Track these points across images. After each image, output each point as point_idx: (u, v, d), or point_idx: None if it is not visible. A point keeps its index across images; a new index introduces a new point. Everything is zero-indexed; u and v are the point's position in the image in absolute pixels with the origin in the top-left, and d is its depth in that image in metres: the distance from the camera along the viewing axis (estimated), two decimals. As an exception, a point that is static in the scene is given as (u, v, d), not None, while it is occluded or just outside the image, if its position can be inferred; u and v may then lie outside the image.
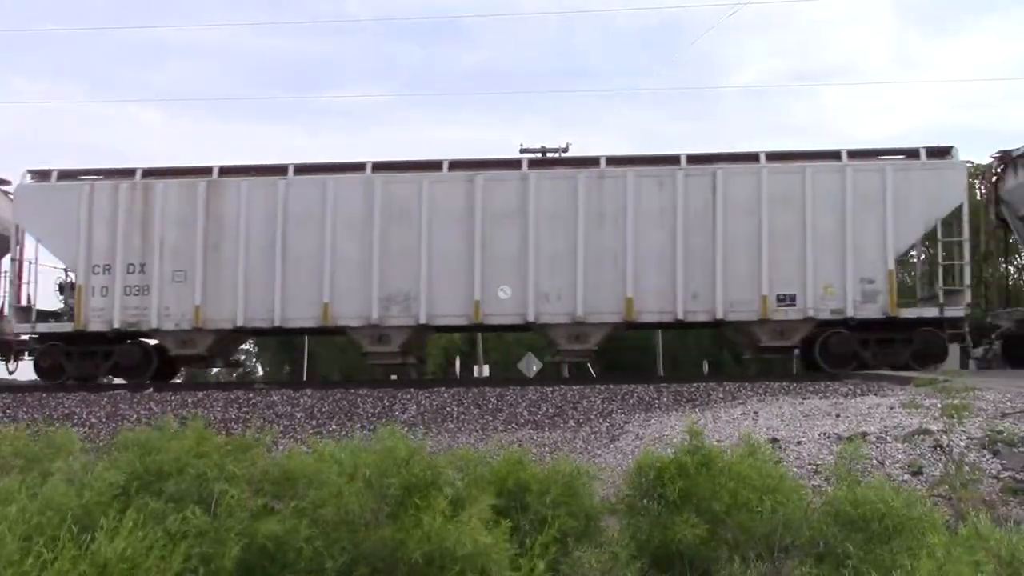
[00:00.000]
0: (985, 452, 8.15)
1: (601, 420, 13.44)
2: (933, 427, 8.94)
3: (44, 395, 15.75)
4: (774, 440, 9.22)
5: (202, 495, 3.77)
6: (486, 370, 25.94)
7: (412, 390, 15.51)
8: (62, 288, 18.71)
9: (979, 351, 18.96)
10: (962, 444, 8.32)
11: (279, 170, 18.22)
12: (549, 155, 29.74)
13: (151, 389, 16.48)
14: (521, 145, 30.64)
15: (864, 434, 9.16)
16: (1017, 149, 18.88)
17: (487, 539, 3.75)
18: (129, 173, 18.45)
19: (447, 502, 3.92)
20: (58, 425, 13.41)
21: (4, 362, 20.56)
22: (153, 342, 18.30)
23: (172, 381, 19.32)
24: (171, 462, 4.01)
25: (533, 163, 18.60)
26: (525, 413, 14.03)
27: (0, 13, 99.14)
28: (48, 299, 19.23)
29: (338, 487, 3.88)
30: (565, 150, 30.78)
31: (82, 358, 17.96)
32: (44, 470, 4.45)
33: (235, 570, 3.44)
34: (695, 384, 15.44)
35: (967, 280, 17.14)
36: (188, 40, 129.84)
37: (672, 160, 17.69)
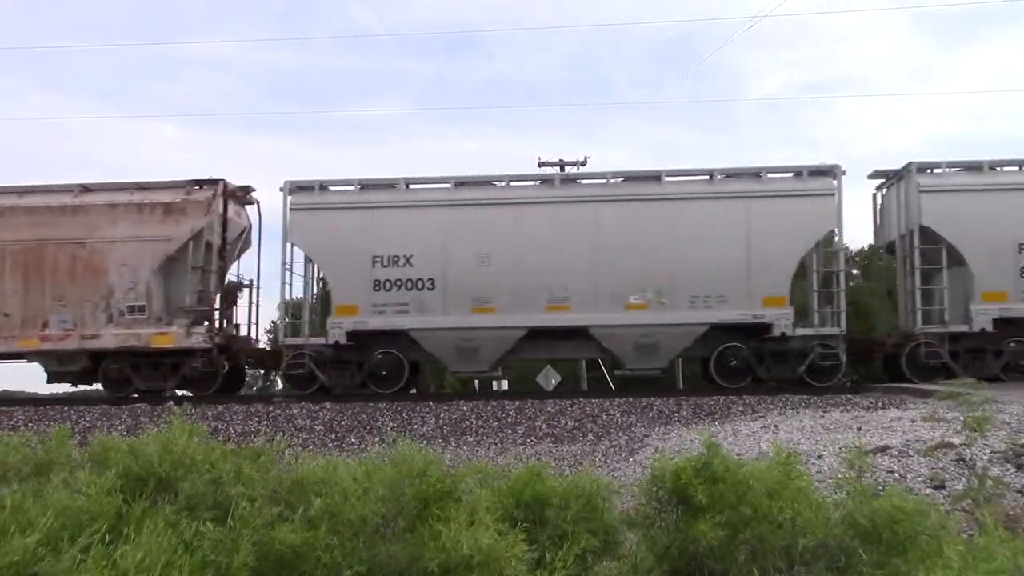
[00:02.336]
0: (1008, 466, 8.06)
1: (621, 433, 13.39)
2: (955, 440, 8.85)
3: (66, 408, 15.89)
4: (789, 455, 9.15)
5: (216, 500, 3.80)
6: (504, 384, 25.89)
7: (431, 404, 15.52)
8: None
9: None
10: (985, 458, 8.23)
11: None
12: (568, 169, 29.73)
13: (171, 403, 16.59)
14: (539, 158, 30.59)
15: (886, 447, 9.08)
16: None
17: (500, 544, 3.73)
18: None
19: (465, 513, 3.91)
20: (76, 437, 13.53)
21: None
22: None
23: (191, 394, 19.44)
24: (173, 468, 4.03)
25: None
26: (544, 426, 14.00)
27: (17, 29, 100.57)
28: None
29: (345, 492, 3.89)
30: (584, 163, 30.71)
31: None
32: (54, 479, 4.48)
33: (250, 580, 3.46)
34: (715, 397, 15.38)
35: None
36: (204, 55, 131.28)
37: None
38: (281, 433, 13.55)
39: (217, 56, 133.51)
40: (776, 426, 11.96)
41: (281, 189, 18.24)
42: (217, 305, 18.87)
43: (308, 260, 18.49)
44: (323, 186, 18.31)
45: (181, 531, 3.49)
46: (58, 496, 3.74)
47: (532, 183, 18.33)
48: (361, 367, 17.60)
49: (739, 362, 17.20)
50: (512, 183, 18.05)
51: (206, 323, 18.35)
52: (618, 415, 14.34)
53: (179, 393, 18.48)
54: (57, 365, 18.28)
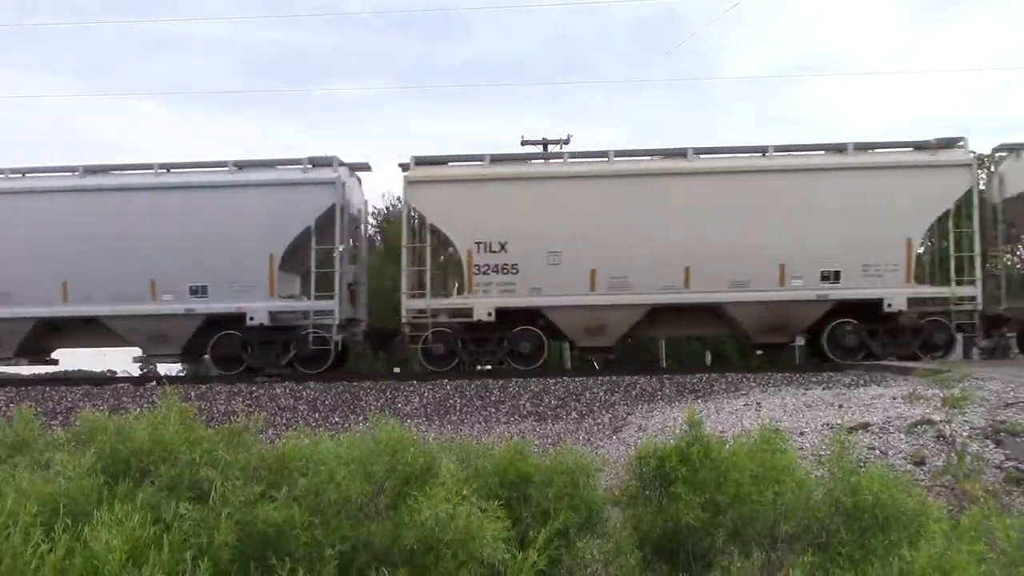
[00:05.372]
0: (988, 442, 8.14)
1: (604, 411, 13.45)
2: (936, 417, 8.92)
3: (47, 389, 15.78)
4: (775, 431, 9.22)
5: (195, 482, 3.78)
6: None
7: (415, 382, 15.53)
8: None
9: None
10: (965, 434, 8.30)
11: None
12: (551, 147, 29.65)
13: (155, 382, 16.53)
14: (522, 137, 30.44)
15: (867, 424, 9.15)
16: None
17: (476, 521, 3.74)
18: None
19: (443, 489, 3.91)
20: (57, 421, 13.46)
21: None
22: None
23: (176, 375, 19.37)
24: (154, 445, 4.00)
25: None
26: (528, 405, 14.04)
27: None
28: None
29: (330, 471, 3.89)
30: (566, 142, 30.57)
31: None
32: (35, 459, 4.44)
33: (232, 559, 3.45)
34: (698, 375, 15.46)
35: None
36: (187, 33, 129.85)
37: None
38: (264, 412, 13.57)
39: (197, 34, 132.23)
40: (759, 404, 12.03)
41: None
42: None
43: None
44: None
45: (161, 512, 3.47)
46: (29, 478, 3.69)
47: None
48: None
49: None
50: None
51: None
52: (601, 393, 14.40)
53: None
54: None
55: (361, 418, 13.21)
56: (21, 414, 5.11)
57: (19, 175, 18.41)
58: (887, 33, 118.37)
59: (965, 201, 17.68)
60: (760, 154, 17.77)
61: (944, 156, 17.52)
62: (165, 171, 18.26)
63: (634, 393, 14.40)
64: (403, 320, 17.81)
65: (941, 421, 8.72)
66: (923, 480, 7.24)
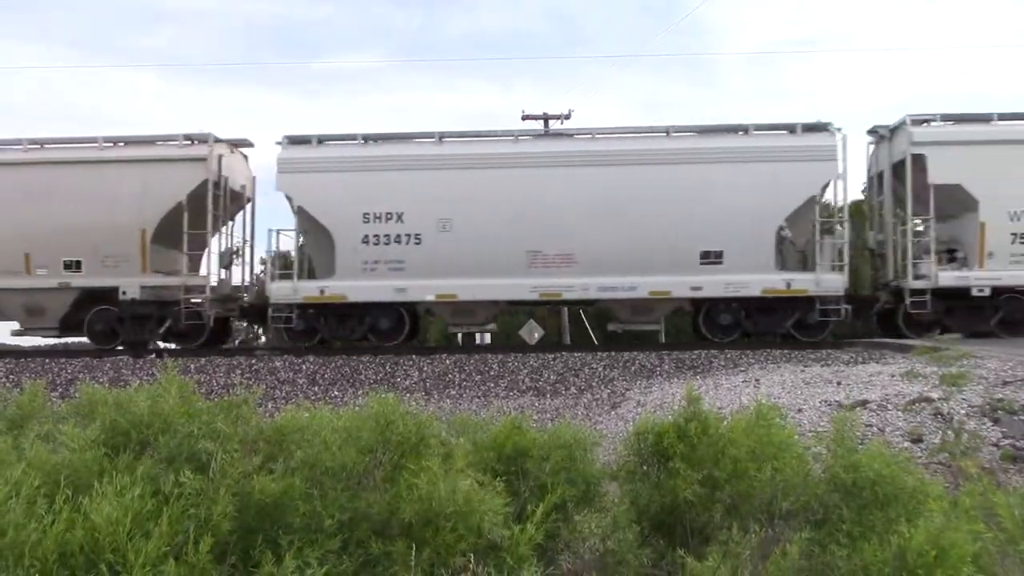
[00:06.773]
0: (985, 420, 8.17)
1: (603, 387, 13.47)
2: (933, 395, 8.95)
3: (47, 361, 15.80)
4: (772, 407, 9.25)
5: (193, 454, 3.79)
6: (488, 337, 25.91)
7: (414, 357, 15.53)
8: None
9: None
10: (962, 412, 8.33)
11: None
12: (552, 123, 29.49)
13: (154, 355, 16.53)
14: (523, 111, 30.23)
15: (865, 402, 9.17)
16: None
17: (477, 495, 3.75)
18: None
19: (438, 461, 3.92)
20: (57, 391, 13.49)
21: None
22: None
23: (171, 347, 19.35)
24: (154, 418, 4.02)
25: None
26: (527, 380, 14.05)
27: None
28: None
29: (325, 442, 3.90)
30: (567, 117, 30.38)
31: None
32: (35, 432, 4.45)
33: (232, 530, 3.47)
34: (697, 351, 15.44)
35: None
36: (184, 5, 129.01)
37: None
38: (263, 385, 13.59)
39: (195, 6, 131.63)
40: (757, 380, 12.05)
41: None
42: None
43: None
44: None
45: (160, 484, 3.48)
46: (34, 450, 3.71)
47: None
48: None
49: None
50: None
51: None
52: (600, 369, 14.41)
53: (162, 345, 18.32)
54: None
55: (360, 392, 13.23)
56: (32, 388, 5.13)
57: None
58: (889, 9, 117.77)
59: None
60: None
61: None
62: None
63: (633, 369, 14.41)
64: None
65: (939, 399, 8.75)
66: (920, 457, 7.27)
